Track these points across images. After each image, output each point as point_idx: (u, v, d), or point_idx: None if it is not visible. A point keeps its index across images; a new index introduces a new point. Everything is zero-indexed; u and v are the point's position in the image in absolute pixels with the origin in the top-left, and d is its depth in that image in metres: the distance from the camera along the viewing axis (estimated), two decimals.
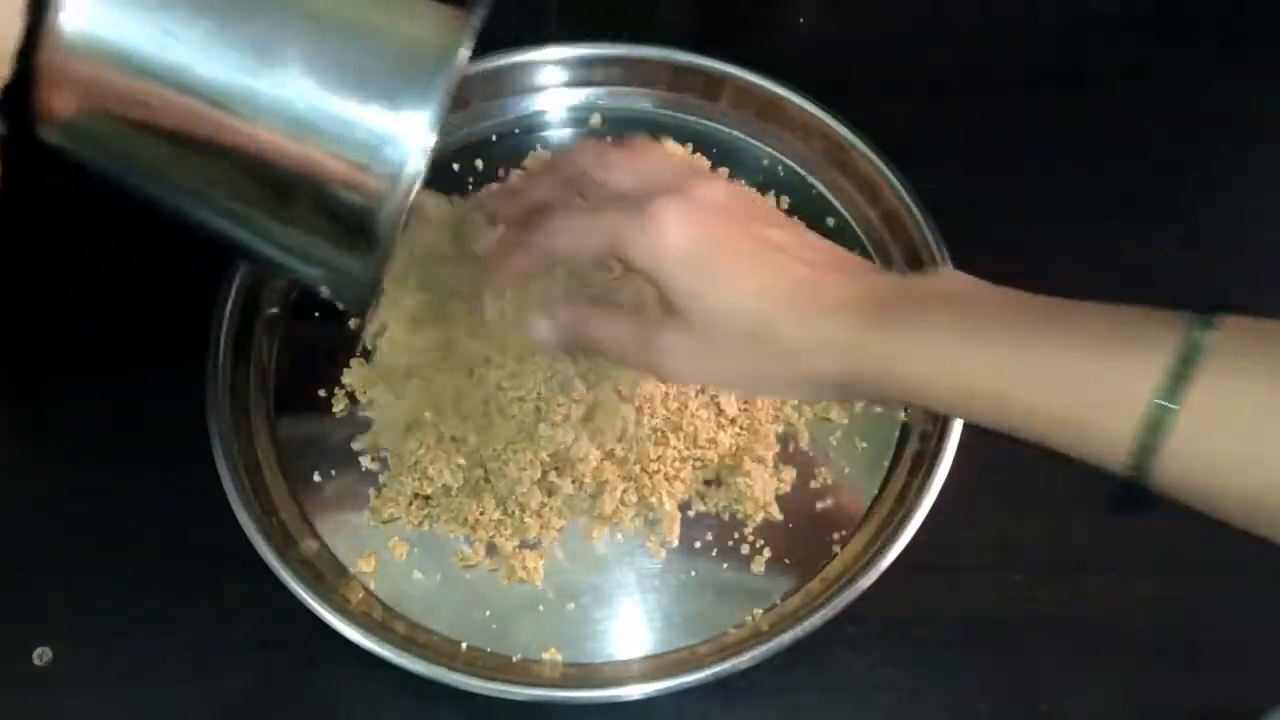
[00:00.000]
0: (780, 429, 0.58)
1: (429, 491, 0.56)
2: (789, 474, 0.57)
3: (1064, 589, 0.56)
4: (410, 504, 0.56)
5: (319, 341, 0.60)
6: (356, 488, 0.57)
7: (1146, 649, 0.55)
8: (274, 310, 0.61)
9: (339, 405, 0.59)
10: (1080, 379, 0.39)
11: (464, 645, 0.53)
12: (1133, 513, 0.39)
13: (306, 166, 0.40)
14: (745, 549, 0.56)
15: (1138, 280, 0.62)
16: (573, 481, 0.55)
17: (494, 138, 0.67)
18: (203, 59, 0.39)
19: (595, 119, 0.67)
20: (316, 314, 0.61)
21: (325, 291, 0.46)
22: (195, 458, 0.55)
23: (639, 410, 0.54)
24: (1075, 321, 0.40)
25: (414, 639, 0.53)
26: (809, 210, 0.64)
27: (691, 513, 0.57)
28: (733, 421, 0.57)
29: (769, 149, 0.66)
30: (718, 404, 0.56)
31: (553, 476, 0.55)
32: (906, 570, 0.53)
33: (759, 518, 0.56)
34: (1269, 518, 0.38)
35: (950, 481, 0.54)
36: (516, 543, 0.55)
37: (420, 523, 0.56)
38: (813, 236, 0.48)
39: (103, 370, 0.60)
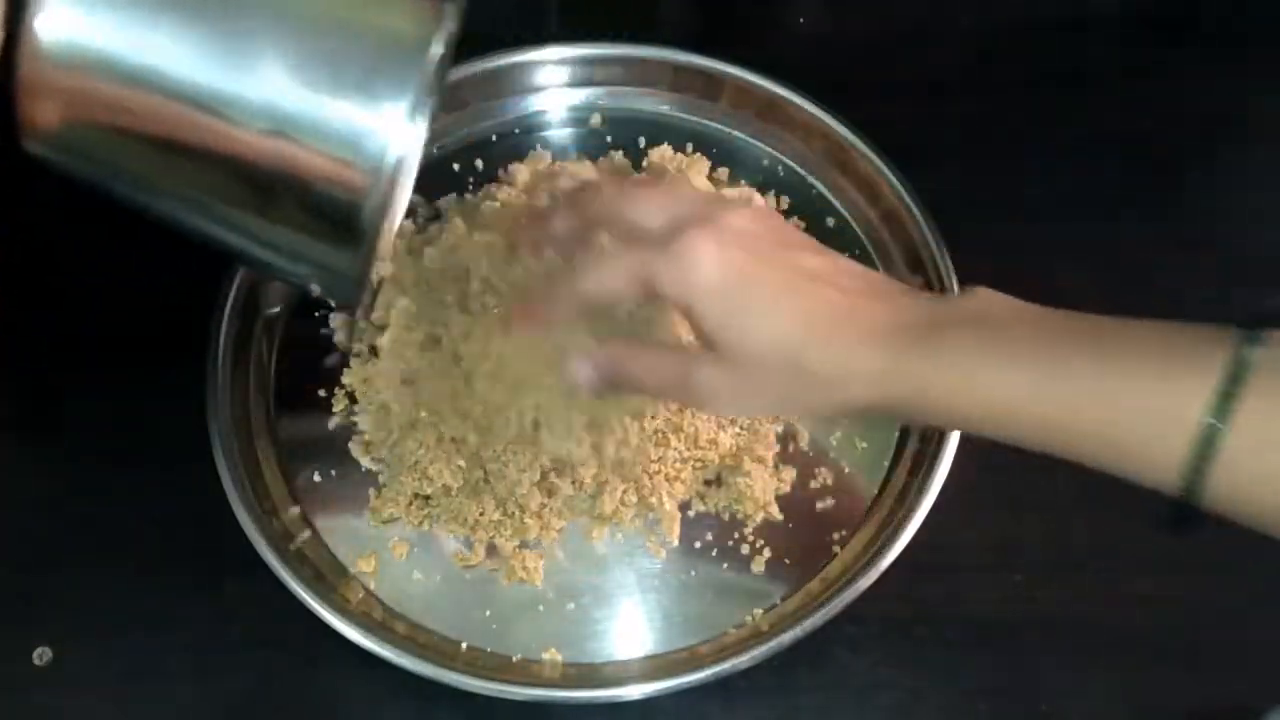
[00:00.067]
0: (780, 429, 0.58)
1: (429, 492, 0.56)
2: (789, 474, 0.57)
3: (1064, 589, 0.56)
4: (410, 504, 0.56)
5: (319, 341, 0.60)
6: (356, 488, 0.57)
7: (1146, 649, 0.55)
8: (274, 310, 0.61)
9: (339, 405, 0.59)
10: (1127, 402, 0.38)
11: (464, 645, 0.53)
12: (1183, 532, 0.39)
13: (289, 165, 0.40)
14: (745, 549, 0.56)
15: (1138, 280, 0.63)
16: (573, 483, 0.55)
17: (494, 138, 0.67)
18: (180, 62, 0.39)
19: (595, 119, 0.67)
20: (316, 314, 0.61)
21: (316, 290, 0.46)
22: (195, 458, 0.55)
23: (639, 414, 0.54)
24: (1116, 341, 0.40)
25: (414, 639, 0.53)
26: (809, 210, 0.64)
27: (691, 513, 0.57)
28: (733, 422, 0.57)
29: (769, 149, 0.66)
30: None
31: (553, 478, 0.55)
32: (906, 570, 0.53)
33: (759, 518, 0.56)
34: None
35: (950, 481, 0.54)
36: (516, 543, 0.55)
37: (420, 523, 0.56)
38: (845, 261, 0.47)
39: (103, 370, 0.60)
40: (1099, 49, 0.72)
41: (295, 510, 0.56)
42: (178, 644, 0.55)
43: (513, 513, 0.55)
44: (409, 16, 0.41)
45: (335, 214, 0.40)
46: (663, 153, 0.65)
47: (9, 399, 0.61)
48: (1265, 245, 0.65)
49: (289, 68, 0.39)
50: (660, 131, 0.66)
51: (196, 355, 0.57)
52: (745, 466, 0.56)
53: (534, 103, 0.67)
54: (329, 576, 0.54)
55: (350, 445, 0.58)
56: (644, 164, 0.65)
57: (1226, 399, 0.36)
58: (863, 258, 0.63)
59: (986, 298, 0.43)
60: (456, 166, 0.66)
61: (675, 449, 0.55)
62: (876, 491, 0.57)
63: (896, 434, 0.58)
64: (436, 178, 0.65)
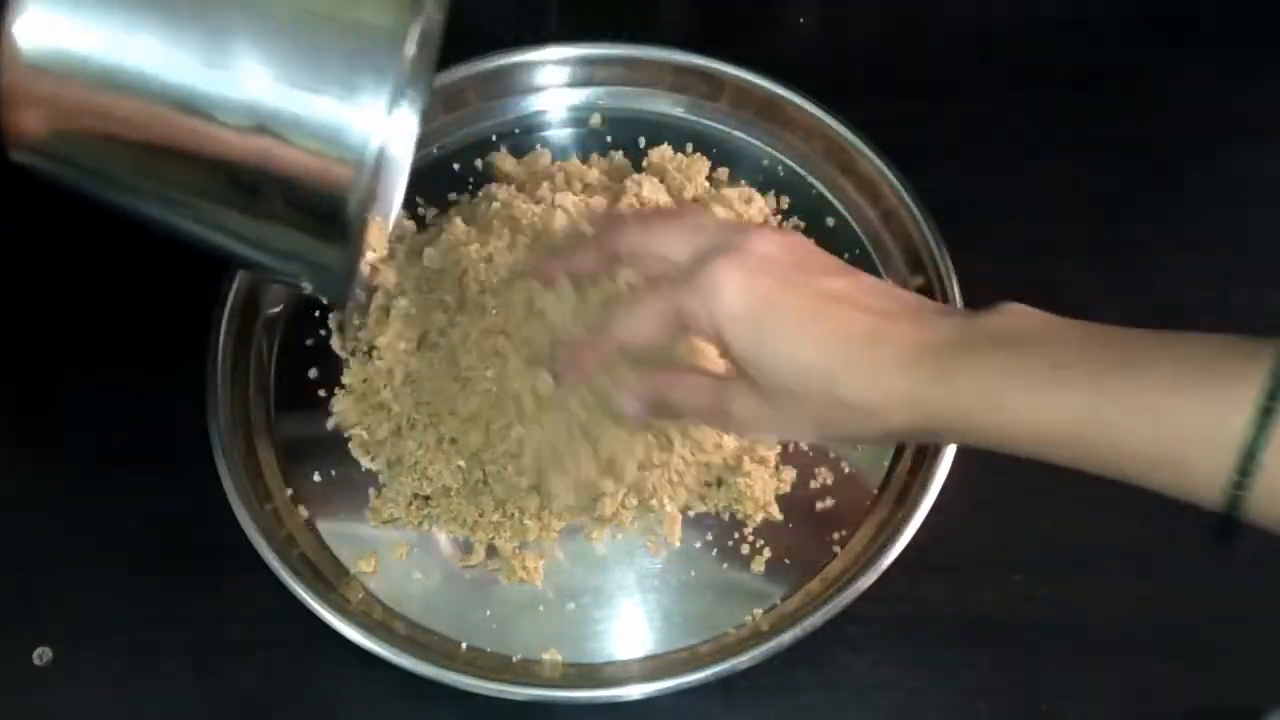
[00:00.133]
0: None
1: (429, 492, 0.56)
2: (789, 474, 0.57)
3: (1064, 589, 0.56)
4: (410, 504, 0.56)
5: (319, 341, 0.60)
6: (356, 488, 0.57)
7: (1146, 649, 0.54)
8: (274, 310, 0.61)
9: (338, 405, 0.59)
10: (1168, 418, 0.38)
11: (464, 645, 0.53)
12: (1229, 544, 0.39)
13: (273, 162, 0.40)
14: (745, 549, 0.56)
15: (1138, 280, 0.63)
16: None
17: (494, 138, 0.67)
18: (160, 63, 0.39)
19: (595, 119, 0.67)
20: (316, 314, 0.61)
21: (308, 288, 0.46)
22: (195, 458, 0.55)
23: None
24: (1155, 356, 0.39)
25: (414, 639, 0.53)
26: (809, 210, 0.64)
27: (691, 513, 0.57)
28: None
29: (769, 149, 0.66)
30: None
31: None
32: (906, 570, 0.53)
33: (759, 518, 0.56)
34: None
35: (950, 481, 0.54)
36: (516, 544, 0.55)
37: (420, 523, 0.56)
38: (871, 280, 0.47)
39: (103, 370, 0.60)
40: (1099, 49, 0.72)
41: (296, 510, 0.56)
42: (178, 644, 0.55)
43: (512, 514, 0.55)
44: (386, 7, 0.41)
45: (320, 208, 0.40)
46: (663, 153, 0.65)
47: (9, 399, 0.61)
48: (1265, 245, 0.65)
49: (267, 64, 0.39)
50: (660, 131, 0.66)
51: (196, 355, 0.57)
52: (745, 467, 0.56)
53: (534, 103, 0.67)
54: (329, 576, 0.54)
55: (350, 445, 0.58)
56: (644, 164, 0.65)
57: (1267, 414, 0.36)
58: (863, 258, 0.63)
59: (1019, 314, 0.43)
60: (457, 166, 0.66)
61: (680, 455, 0.55)
62: (876, 491, 0.57)
63: None
64: (436, 178, 0.65)
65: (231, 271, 0.59)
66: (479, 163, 0.66)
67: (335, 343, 0.60)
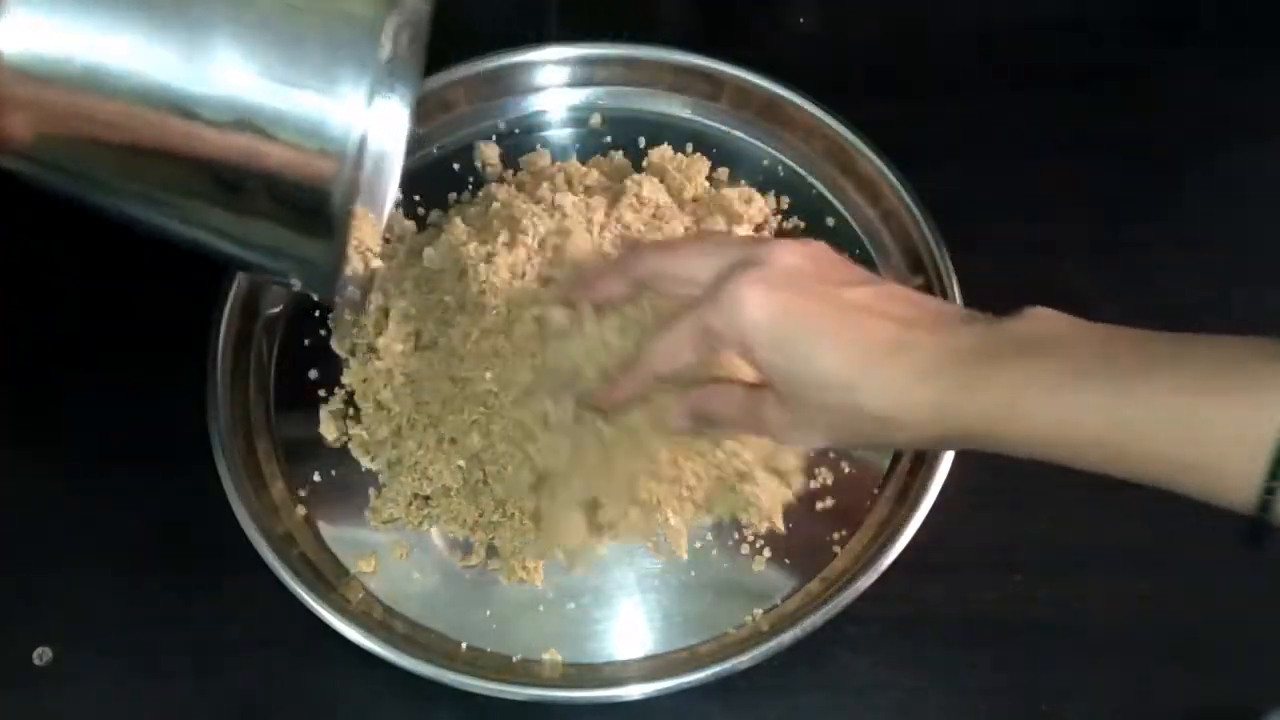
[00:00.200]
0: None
1: (429, 492, 0.56)
2: (798, 481, 0.57)
3: (1064, 589, 0.56)
4: (410, 504, 0.56)
5: (319, 341, 0.60)
6: (356, 488, 0.57)
7: (1146, 649, 0.54)
8: (274, 310, 0.61)
9: (338, 405, 0.59)
10: (1196, 422, 0.38)
11: (464, 645, 0.53)
12: (1260, 547, 0.39)
13: (256, 157, 0.40)
14: (745, 549, 0.56)
15: (1138, 280, 0.63)
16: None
17: (494, 138, 0.67)
18: (141, 61, 0.39)
19: (595, 119, 0.67)
20: (316, 314, 0.61)
21: (297, 284, 0.46)
22: (195, 458, 0.55)
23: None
24: (1178, 360, 0.39)
25: (413, 639, 0.53)
26: (809, 210, 0.64)
27: (696, 526, 0.56)
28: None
29: (769, 149, 0.66)
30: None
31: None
32: (906, 570, 0.53)
33: (763, 527, 0.56)
34: None
35: (950, 481, 0.54)
36: (516, 544, 0.55)
37: (420, 523, 0.56)
38: (894, 288, 0.46)
39: (103, 370, 0.60)
40: (1099, 49, 0.72)
41: (295, 510, 0.56)
42: (178, 644, 0.55)
43: (512, 514, 0.55)
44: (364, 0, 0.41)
45: (304, 202, 0.40)
46: (663, 153, 0.65)
47: (9, 399, 0.61)
48: (1265, 245, 0.65)
49: (247, 58, 0.39)
50: (660, 131, 0.66)
51: (196, 355, 0.57)
52: (757, 476, 0.55)
53: (534, 103, 0.67)
54: (329, 576, 0.54)
55: (350, 445, 0.58)
56: (644, 164, 0.65)
57: None
58: (863, 257, 0.63)
59: (1042, 319, 0.42)
60: (456, 166, 0.66)
61: (693, 470, 0.54)
62: (876, 491, 0.57)
63: None
64: (436, 178, 0.65)
65: (231, 272, 0.59)
66: (479, 163, 0.66)
67: (335, 343, 0.60)
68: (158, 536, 0.57)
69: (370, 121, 0.40)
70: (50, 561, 0.57)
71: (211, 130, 0.39)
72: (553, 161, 0.65)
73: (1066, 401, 0.40)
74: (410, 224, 0.63)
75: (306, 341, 0.61)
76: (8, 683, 0.54)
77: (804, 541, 0.56)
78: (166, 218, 0.43)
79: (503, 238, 0.57)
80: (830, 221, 0.64)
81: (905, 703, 0.54)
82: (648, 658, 0.53)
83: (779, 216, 0.64)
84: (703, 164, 0.65)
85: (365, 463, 0.58)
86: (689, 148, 0.66)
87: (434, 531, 0.56)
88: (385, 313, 0.58)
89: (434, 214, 0.64)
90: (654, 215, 0.60)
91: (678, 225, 0.60)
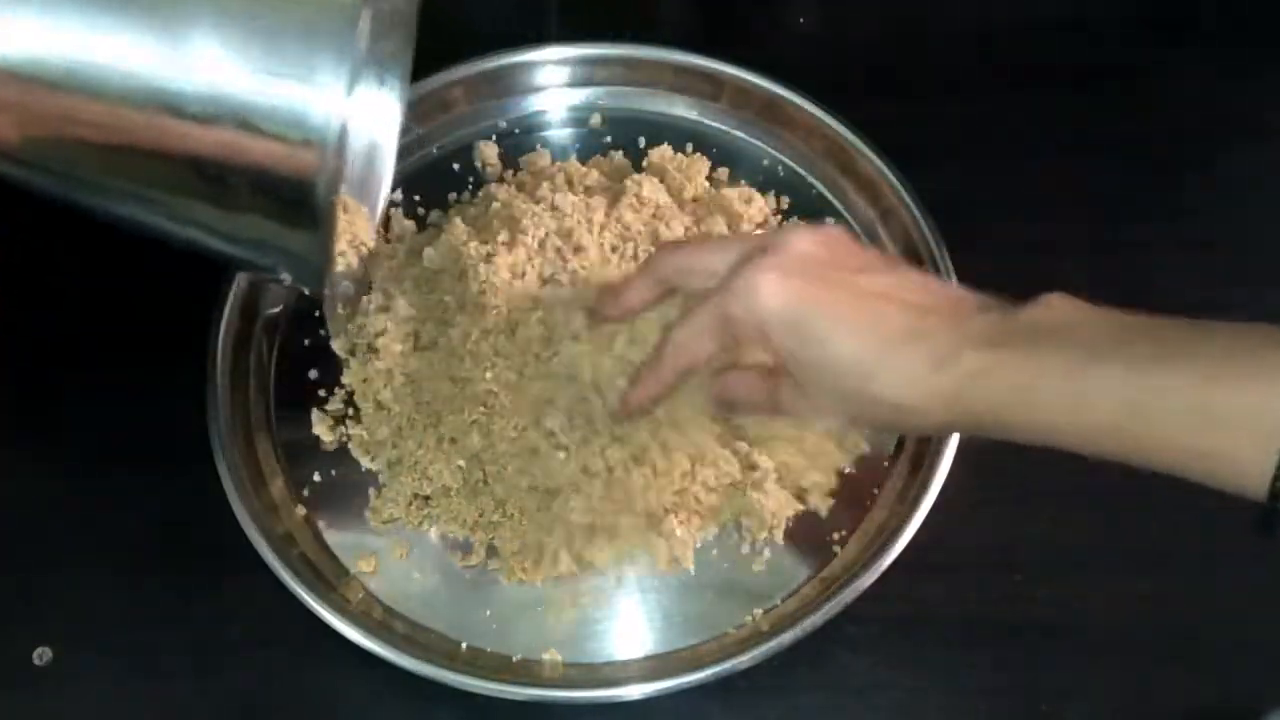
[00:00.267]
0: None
1: (429, 492, 0.56)
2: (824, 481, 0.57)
3: (1064, 589, 0.56)
4: (410, 504, 0.56)
5: (319, 341, 0.60)
6: (356, 488, 0.57)
7: (1146, 649, 0.54)
8: (274, 310, 0.61)
9: (338, 405, 0.59)
10: (1210, 409, 0.38)
11: (464, 645, 0.53)
12: (1271, 534, 0.38)
13: (238, 150, 0.40)
14: (745, 549, 0.56)
15: (1138, 280, 0.62)
16: (574, 510, 0.54)
17: (494, 137, 0.67)
18: (119, 58, 0.39)
19: (595, 119, 0.67)
20: (316, 314, 0.61)
21: (288, 278, 0.46)
22: (195, 458, 0.55)
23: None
24: (1193, 347, 0.39)
25: (413, 639, 0.53)
26: (809, 210, 0.64)
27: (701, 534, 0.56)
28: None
29: (769, 149, 0.66)
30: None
31: (554, 507, 0.54)
32: (906, 570, 0.53)
33: (761, 536, 0.56)
34: None
35: (950, 481, 0.54)
36: (516, 545, 0.55)
37: (420, 523, 0.56)
38: (911, 274, 0.47)
39: (103, 370, 0.60)
40: (1099, 49, 0.72)
41: (295, 510, 0.56)
42: (178, 644, 0.55)
43: (512, 514, 0.55)
44: None
45: (288, 194, 0.41)
46: (663, 153, 0.65)
47: (9, 399, 0.61)
48: (1265, 245, 0.65)
49: (225, 52, 0.39)
50: (660, 131, 0.66)
51: (196, 355, 0.57)
52: (766, 484, 0.55)
53: (534, 103, 0.67)
54: (329, 576, 0.54)
55: (350, 445, 0.58)
56: (644, 164, 0.65)
57: None
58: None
59: (1060, 306, 0.42)
60: (456, 166, 0.66)
61: (702, 481, 0.54)
62: (876, 491, 0.57)
63: (897, 434, 0.58)
64: (436, 178, 0.65)
65: (231, 272, 0.59)
66: (479, 163, 0.66)
67: (335, 343, 0.60)
68: (158, 536, 0.57)
69: (352, 111, 0.40)
70: (50, 561, 0.57)
71: (192, 125, 0.40)
72: (553, 161, 0.65)
73: (1081, 389, 0.40)
74: (410, 224, 0.63)
75: (306, 341, 0.61)
76: (8, 683, 0.54)
77: (804, 542, 0.56)
78: (152, 215, 0.43)
79: (503, 238, 0.57)
80: (830, 221, 0.64)
81: (905, 703, 0.54)
82: (648, 658, 0.53)
83: (779, 216, 0.64)
84: (703, 164, 0.65)
85: (365, 463, 0.58)
86: (689, 148, 0.66)
87: (434, 531, 0.56)
88: (385, 312, 0.58)
89: (434, 214, 0.64)
90: (654, 215, 0.60)
91: (678, 225, 0.59)
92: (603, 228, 0.58)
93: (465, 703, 0.51)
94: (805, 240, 0.45)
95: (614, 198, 0.60)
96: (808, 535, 0.56)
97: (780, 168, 0.66)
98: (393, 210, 0.63)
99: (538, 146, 0.66)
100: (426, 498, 0.56)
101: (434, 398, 0.56)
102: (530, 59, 0.67)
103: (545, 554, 0.54)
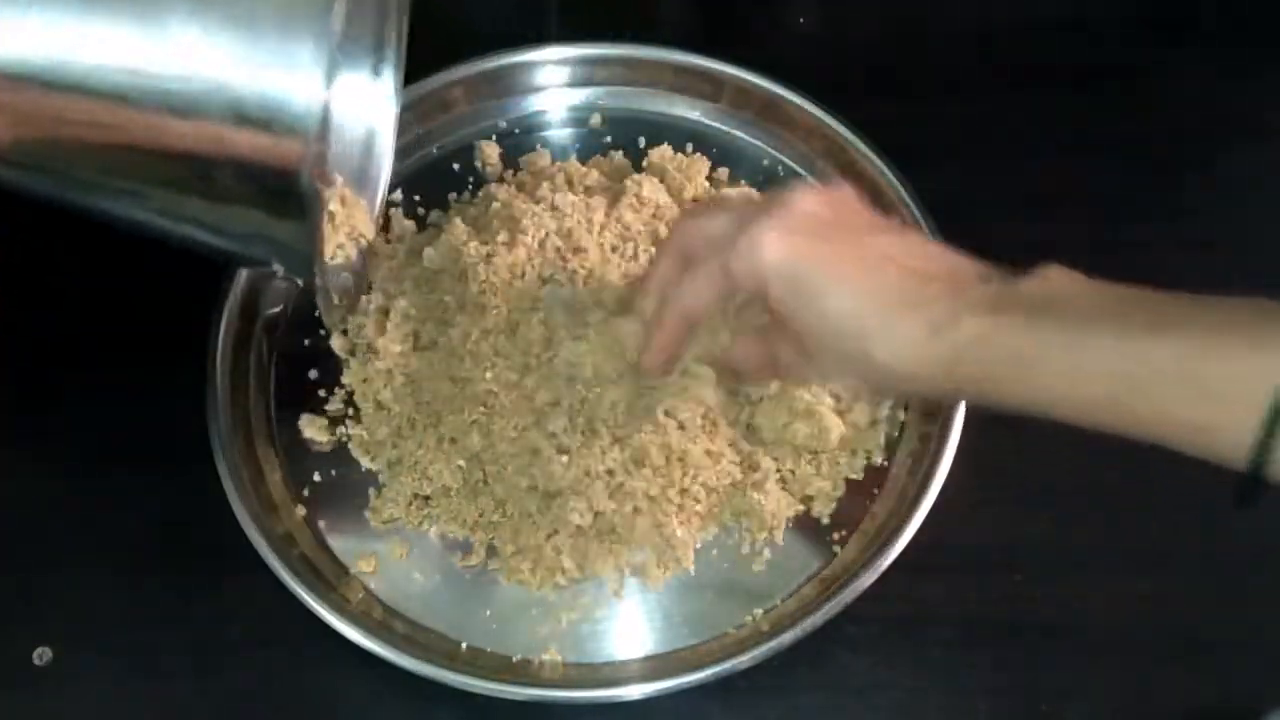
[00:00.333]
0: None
1: (429, 492, 0.56)
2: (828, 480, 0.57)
3: (1064, 589, 0.56)
4: (410, 504, 0.56)
5: (319, 341, 0.60)
6: (356, 488, 0.57)
7: (1146, 649, 0.54)
8: (274, 310, 0.61)
9: (338, 405, 0.59)
10: (1200, 380, 0.38)
11: (464, 645, 0.53)
12: (1251, 505, 0.39)
13: (222, 142, 0.40)
14: (745, 549, 0.56)
15: (1138, 280, 0.62)
16: (574, 510, 0.54)
17: (494, 137, 0.67)
18: (101, 54, 0.39)
19: (595, 119, 0.67)
20: (317, 314, 0.61)
21: (280, 269, 0.46)
22: (195, 458, 0.55)
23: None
24: (1188, 320, 0.40)
25: (413, 639, 0.53)
26: None
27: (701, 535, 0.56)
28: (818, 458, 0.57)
29: (769, 149, 0.66)
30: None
31: (555, 508, 0.54)
32: (906, 570, 0.53)
33: (761, 536, 0.56)
34: None
35: (950, 481, 0.54)
36: (516, 546, 0.55)
37: (420, 523, 0.56)
38: (915, 239, 0.47)
39: (103, 370, 0.60)
40: (1099, 49, 0.72)
41: (295, 510, 0.56)
42: (178, 644, 0.55)
43: (512, 514, 0.55)
44: None
45: (273, 182, 0.41)
46: (663, 153, 0.65)
47: (9, 399, 0.61)
48: (1265, 245, 0.65)
49: (202, 41, 0.39)
50: (660, 131, 0.66)
51: (196, 355, 0.57)
52: (766, 485, 0.55)
53: (534, 103, 0.67)
54: (329, 576, 0.54)
55: (350, 445, 0.58)
56: (644, 164, 0.65)
57: None
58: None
59: (1056, 277, 0.43)
60: (456, 166, 0.66)
61: (701, 483, 0.54)
62: (876, 491, 0.57)
63: (897, 434, 0.58)
64: (436, 178, 0.65)
65: (231, 271, 0.59)
66: (479, 163, 0.66)
67: (335, 343, 0.60)
68: (158, 536, 0.57)
69: (338, 98, 0.40)
70: (50, 561, 0.57)
71: (173, 116, 0.40)
72: (553, 161, 0.65)
73: (1078, 359, 0.40)
74: (410, 224, 0.63)
75: (306, 341, 0.61)
76: (8, 683, 0.54)
77: (804, 542, 0.56)
78: (140, 209, 0.44)
79: (502, 238, 0.57)
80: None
81: (905, 703, 0.54)
82: (648, 658, 0.53)
83: None
84: (703, 164, 0.65)
85: (365, 463, 0.58)
86: (689, 148, 0.66)
87: (434, 531, 0.56)
88: (385, 313, 0.58)
89: (434, 214, 0.64)
90: (654, 215, 0.60)
91: None
92: (603, 228, 0.58)
93: (465, 703, 0.51)
94: (812, 200, 0.45)
95: (614, 198, 0.60)
96: (808, 535, 0.56)
97: (780, 168, 0.66)
98: (393, 210, 0.63)
99: (538, 146, 0.66)
100: (426, 498, 0.56)
101: (434, 398, 0.56)
102: (530, 59, 0.67)
103: (545, 559, 0.54)
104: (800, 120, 0.65)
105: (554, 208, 0.58)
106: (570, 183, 0.62)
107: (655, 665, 0.53)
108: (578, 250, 0.57)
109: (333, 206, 0.51)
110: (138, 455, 0.58)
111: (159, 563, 0.56)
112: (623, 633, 0.54)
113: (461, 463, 0.55)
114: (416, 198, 0.64)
